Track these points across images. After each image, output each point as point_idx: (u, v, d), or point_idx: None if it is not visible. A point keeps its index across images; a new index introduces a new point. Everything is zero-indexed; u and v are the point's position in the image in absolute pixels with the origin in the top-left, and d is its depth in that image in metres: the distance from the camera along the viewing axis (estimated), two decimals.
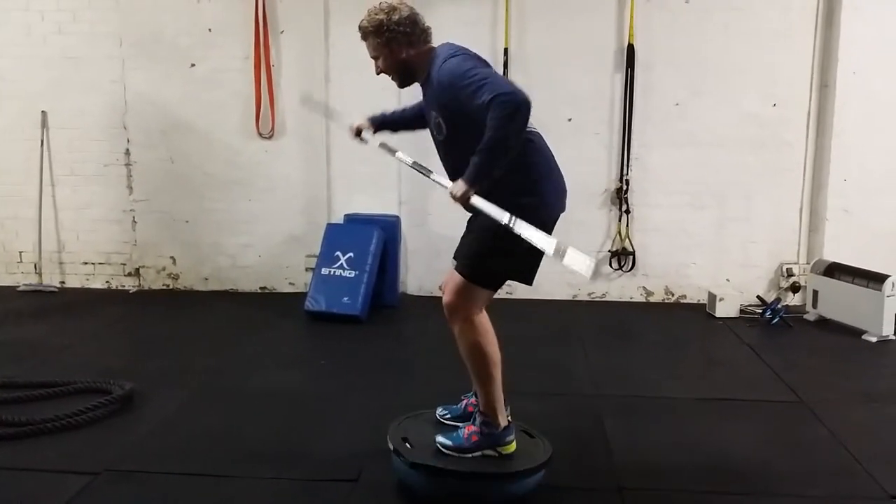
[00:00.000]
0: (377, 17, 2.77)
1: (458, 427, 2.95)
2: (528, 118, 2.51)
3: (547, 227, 2.75)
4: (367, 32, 2.81)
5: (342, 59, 5.66)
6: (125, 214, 6.10)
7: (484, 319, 2.81)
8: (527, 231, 2.55)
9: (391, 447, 2.87)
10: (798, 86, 5.59)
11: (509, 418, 2.93)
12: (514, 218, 2.56)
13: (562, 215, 5.56)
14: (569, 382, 4.15)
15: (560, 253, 2.55)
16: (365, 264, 5.36)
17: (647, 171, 5.74)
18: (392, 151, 3.16)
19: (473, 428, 2.85)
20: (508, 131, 2.48)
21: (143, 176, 6.03)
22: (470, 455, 2.82)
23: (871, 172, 5.48)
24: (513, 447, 2.87)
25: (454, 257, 2.90)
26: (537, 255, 2.77)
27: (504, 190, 2.65)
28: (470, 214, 2.86)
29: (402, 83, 2.88)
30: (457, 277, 2.77)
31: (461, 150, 2.66)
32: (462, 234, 2.94)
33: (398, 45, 2.78)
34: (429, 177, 2.92)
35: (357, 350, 4.74)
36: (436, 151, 2.94)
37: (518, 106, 2.46)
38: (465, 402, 3.07)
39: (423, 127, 3.08)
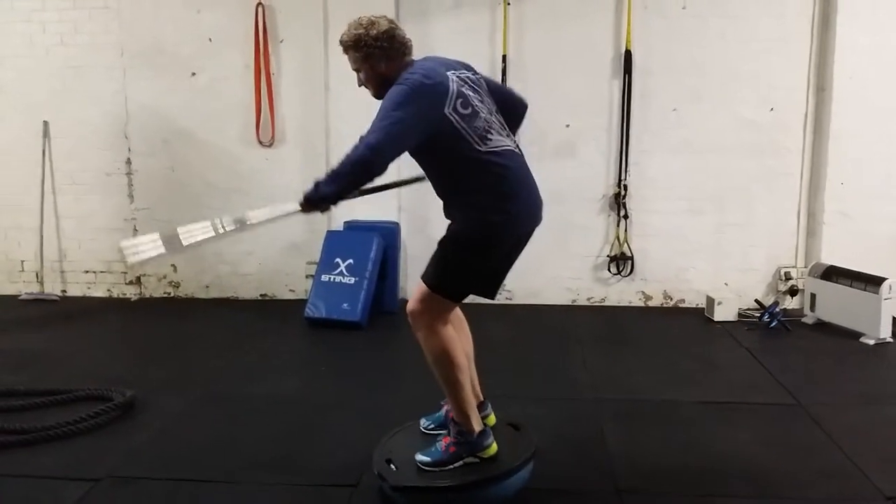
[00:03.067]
0: (356, 31, 2.81)
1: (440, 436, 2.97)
2: (363, 175, 2.64)
3: (520, 242, 2.82)
4: (347, 46, 2.85)
5: (342, 67, 5.63)
6: (126, 223, 6.13)
7: (447, 327, 2.83)
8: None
9: (375, 472, 2.87)
10: (795, 90, 5.62)
11: (487, 417, 2.95)
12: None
13: (561, 220, 5.59)
14: (568, 387, 4.17)
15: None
16: (365, 271, 5.39)
17: (646, 177, 5.77)
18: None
19: (450, 439, 2.86)
20: (345, 171, 2.63)
21: (145, 185, 6.06)
22: (451, 466, 2.82)
23: (868, 176, 5.49)
24: (493, 450, 2.88)
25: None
26: (500, 270, 2.85)
27: (475, 208, 2.73)
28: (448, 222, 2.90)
29: (380, 95, 2.87)
30: (421, 285, 2.82)
31: (431, 172, 2.83)
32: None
33: (376, 59, 2.81)
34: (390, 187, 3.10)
35: (357, 356, 4.76)
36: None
37: (358, 160, 2.60)
38: (445, 407, 3.07)
39: None
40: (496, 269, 2.84)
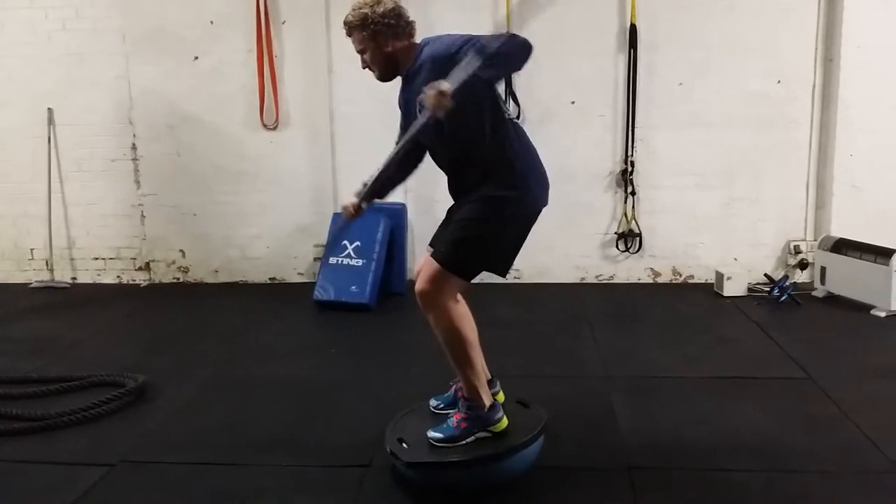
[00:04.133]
0: (361, 10, 2.78)
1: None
2: (527, 56, 2.61)
3: (531, 219, 2.82)
4: (352, 27, 2.82)
5: (344, 49, 5.61)
6: (134, 209, 6.14)
7: (459, 305, 2.82)
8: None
9: (388, 450, 2.89)
10: (802, 62, 5.56)
11: (496, 395, 2.96)
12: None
13: (568, 198, 5.57)
14: (577, 364, 4.17)
15: None
16: (372, 253, 5.39)
17: (653, 153, 5.73)
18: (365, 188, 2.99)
19: (461, 415, 2.87)
20: (512, 53, 2.58)
21: (151, 170, 6.06)
22: (463, 442, 2.84)
23: (877, 147, 5.44)
24: (504, 424, 2.89)
25: (430, 244, 2.94)
26: (514, 248, 2.84)
27: (489, 184, 2.72)
28: (451, 204, 2.91)
29: (385, 77, 2.89)
30: (432, 265, 2.79)
31: (455, 136, 2.73)
32: (441, 223, 2.97)
33: (384, 37, 2.79)
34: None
35: (366, 338, 4.77)
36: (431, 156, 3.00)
37: (526, 43, 2.59)
38: (454, 387, 3.08)
39: (412, 170, 3.11)
40: (510, 247, 2.83)
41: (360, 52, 2.87)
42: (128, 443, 3.27)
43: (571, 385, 3.85)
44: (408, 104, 2.90)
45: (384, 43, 2.80)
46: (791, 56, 5.55)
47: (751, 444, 3.16)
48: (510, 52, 2.58)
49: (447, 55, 2.63)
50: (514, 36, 2.61)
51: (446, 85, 2.45)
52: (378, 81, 2.97)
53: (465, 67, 2.48)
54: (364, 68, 2.91)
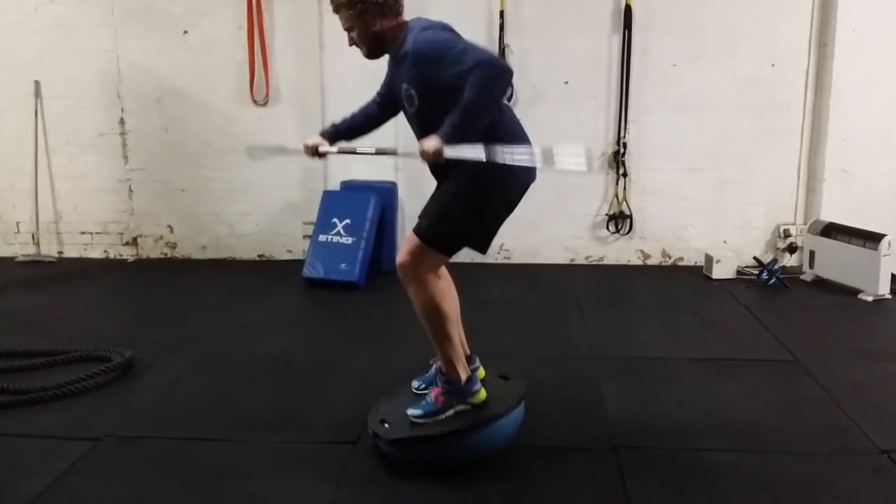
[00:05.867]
0: None
1: None
2: (507, 86, 2.60)
3: (515, 197, 2.81)
4: (338, 5, 2.78)
5: (336, 24, 5.54)
6: (121, 184, 6.08)
7: (438, 280, 2.82)
8: (509, 155, 2.56)
9: (371, 431, 2.90)
10: (796, 46, 5.54)
11: (476, 371, 2.97)
12: (490, 148, 2.54)
13: (560, 179, 5.53)
14: (566, 345, 4.18)
15: (549, 158, 2.56)
16: (362, 231, 5.37)
17: (645, 135, 5.72)
18: (352, 150, 3.17)
19: (438, 389, 2.89)
20: (488, 95, 2.55)
21: (139, 145, 6.00)
22: (443, 416, 2.85)
23: (869, 132, 5.45)
24: (482, 396, 2.91)
25: (418, 217, 2.91)
26: (495, 225, 2.84)
27: (471, 162, 2.67)
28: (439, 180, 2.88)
29: (372, 55, 2.86)
30: (412, 238, 2.79)
31: (433, 122, 2.68)
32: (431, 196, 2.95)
33: (371, 16, 2.75)
34: (396, 154, 2.93)
35: (355, 316, 4.75)
36: (408, 126, 2.98)
37: (500, 73, 2.56)
38: (434, 366, 3.08)
39: (379, 125, 3.14)
40: (491, 225, 2.83)
41: (348, 29, 2.84)
42: (114, 418, 3.26)
43: (559, 365, 3.85)
44: (392, 83, 2.90)
45: (371, 22, 2.76)
46: (785, 40, 5.54)
47: (737, 425, 3.18)
48: (486, 99, 2.55)
49: (429, 59, 2.62)
50: (496, 77, 2.55)
51: (437, 146, 2.55)
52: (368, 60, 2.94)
53: (473, 151, 2.53)
54: (351, 45, 2.88)
